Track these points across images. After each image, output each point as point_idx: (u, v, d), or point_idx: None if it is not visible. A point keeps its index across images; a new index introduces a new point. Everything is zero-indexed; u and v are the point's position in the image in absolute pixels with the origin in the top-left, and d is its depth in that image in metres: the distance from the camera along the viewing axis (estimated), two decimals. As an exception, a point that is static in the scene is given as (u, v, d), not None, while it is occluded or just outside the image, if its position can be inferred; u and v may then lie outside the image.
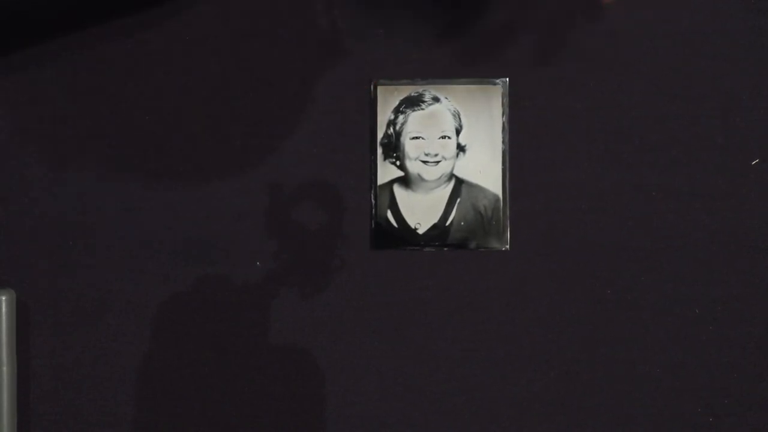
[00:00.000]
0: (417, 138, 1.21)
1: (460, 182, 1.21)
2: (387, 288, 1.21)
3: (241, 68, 1.22)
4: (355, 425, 1.20)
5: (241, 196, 1.21)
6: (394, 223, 1.21)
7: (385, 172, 1.21)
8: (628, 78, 1.21)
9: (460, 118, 1.21)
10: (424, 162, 1.21)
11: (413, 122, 1.21)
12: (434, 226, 1.21)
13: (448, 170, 1.21)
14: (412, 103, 1.21)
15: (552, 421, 1.19)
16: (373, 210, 1.21)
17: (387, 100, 1.21)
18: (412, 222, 1.21)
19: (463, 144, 1.21)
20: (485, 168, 1.21)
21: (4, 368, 1.15)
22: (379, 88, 1.21)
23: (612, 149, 1.20)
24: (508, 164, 1.21)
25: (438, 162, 1.21)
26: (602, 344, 1.19)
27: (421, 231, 1.21)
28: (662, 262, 1.20)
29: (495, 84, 1.21)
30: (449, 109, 1.21)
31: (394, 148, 1.21)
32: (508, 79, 1.21)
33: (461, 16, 1.22)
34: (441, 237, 1.21)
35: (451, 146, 1.21)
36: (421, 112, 1.21)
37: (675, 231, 1.20)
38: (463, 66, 1.22)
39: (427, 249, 1.21)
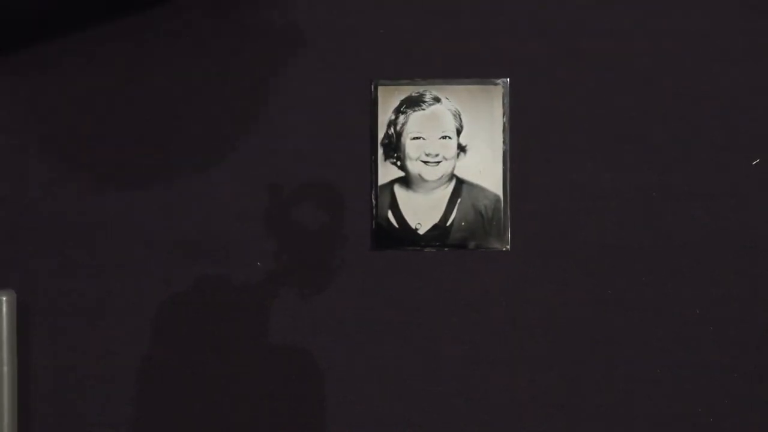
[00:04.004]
0: (418, 138, 1.21)
1: (460, 182, 1.21)
2: (387, 288, 1.21)
3: (240, 68, 1.22)
4: (354, 425, 1.20)
5: (241, 196, 1.21)
6: (395, 224, 1.21)
7: (386, 172, 1.21)
8: (628, 78, 1.21)
9: (460, 119, 1.21)
10: (425, 162, 1.21)
11: (414, 122, 1.21)
12: (435, 227, 1.21)
13: (449, 170, 1.21)
14: (413, 103, 1.21)
15: (552, 420, 1.19)
16: (374, 210, 1.21)
17: (387, 101, 1.21)
18: (412, 222, 1.21)
19: (463, 144, 1.21)
20: (486, 168, 1.21)
21: (5, 368, 1.15)
22: (380, 89, 1.21)
23: (612, 149, 1.20)
24: (508, 164, 1.21)
25: (439, 162, 1.21)
26: (602, 344, 1.19)
27: (421, 231, 1.21)
28: (662, 262, 1.20)
29: (496, 84, 1.21)
30: (450, 110, 1.21)
31: (394, 149, 1.21)
32: (508, 79, 1.21)
33: (462, 17, 1.22)
34: (442, 237, 1.21)
35: (451, 146, 1.21)
36: (421, 112, 1.21)
37: (675, 231, 1.20)
38: (464, 66, 1.22)
39: (427, 249, 1.21)
